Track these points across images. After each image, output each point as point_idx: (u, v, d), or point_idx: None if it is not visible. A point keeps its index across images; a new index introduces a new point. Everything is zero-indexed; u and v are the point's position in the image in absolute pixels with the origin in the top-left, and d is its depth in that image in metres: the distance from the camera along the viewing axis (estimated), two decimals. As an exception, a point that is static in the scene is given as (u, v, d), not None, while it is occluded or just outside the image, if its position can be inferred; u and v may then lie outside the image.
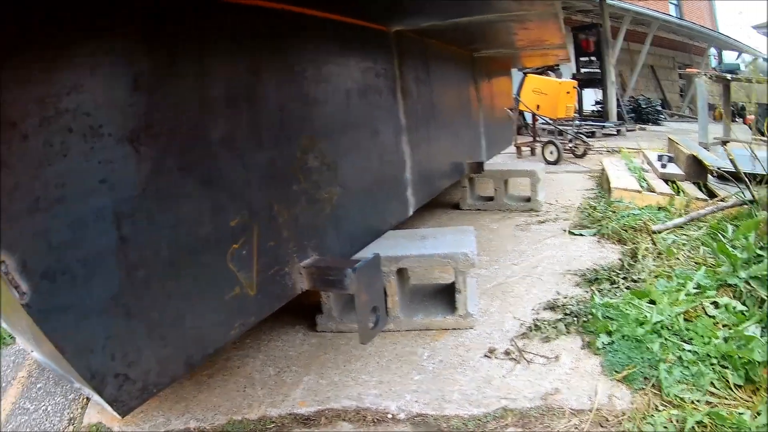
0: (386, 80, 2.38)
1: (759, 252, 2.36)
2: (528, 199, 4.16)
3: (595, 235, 3.31)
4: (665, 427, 1.50)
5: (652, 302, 2.16)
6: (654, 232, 3.10)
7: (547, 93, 6.35)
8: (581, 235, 3.34)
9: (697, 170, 4.27)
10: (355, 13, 2.03)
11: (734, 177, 3.63)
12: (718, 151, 5.29)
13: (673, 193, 3.92)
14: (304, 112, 1.67)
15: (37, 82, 0.84)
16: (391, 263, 2.01)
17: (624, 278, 2.50)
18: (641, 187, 4.13)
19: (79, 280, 0.85)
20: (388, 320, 2.04)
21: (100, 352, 0.89)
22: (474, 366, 1.84)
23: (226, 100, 1.31)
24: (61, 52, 0.89)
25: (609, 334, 1.98)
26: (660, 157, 4.84)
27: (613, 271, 2.59)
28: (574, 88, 6.76)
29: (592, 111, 11.51)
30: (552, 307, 2.27)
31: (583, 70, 10.46)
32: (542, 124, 6.89)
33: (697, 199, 3.78)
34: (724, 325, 1.97)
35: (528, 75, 6.59)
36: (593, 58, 10.24)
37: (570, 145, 6.75)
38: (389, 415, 1.60)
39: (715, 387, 1.65)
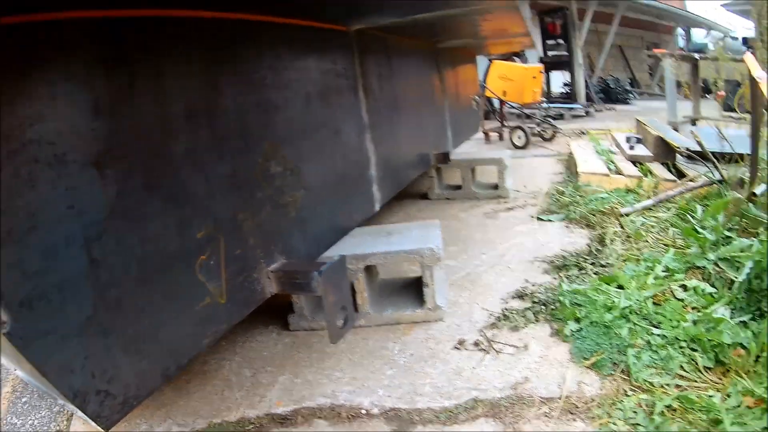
0: (347, 80, 2.43)
1: (727, 233, 2.40)
2: (496, 187, 4.24)
3: (563, 220, 3.37)
4: (635, 412, 1.51)
5: (621, 287, 2.18)
6: (622, 215, 3.14)
7: (513, 79, 6.47)
8: (549, 221, 3.41)
9: (666, 151, 4.32)
10: (313, 16, 2.06)
11: (702, 157, 3.69)
12: (687, 130, 5.38)
13: (641, 175, 3.97)
14: (264, 120, 1.71)
15: (1, 117, 0.87)
16: (358, 261, 2.08)
17: (592, 264, 2.54)
18: (609, 170, 4.19)
19: (56, 305, 0.90)
20: (358, 317, 2.11)
21: (80, 371, 0.94)
22: (444, 358, 1.90)
23: (186, 116, 1.34)
24: (23, 85, 0.93)
25: (577, 320, 1.99)
26: (628, 139, 4.90)
27: (581, 257, 2.64)
28: (541, 73, 6.89)
29: (561, 93, 11.69)
30: (521, 295, 2.33)
31: (550, 53, 10.62)
32: (510, 108, 7.00)
33: (666, 180, 3.84)
34: (693, 308, 1.98)
35: (493, 61, 6.68)
36: (560, 41, 10.39)
37: (538, 129, 6.89)
38: (363, 411, 1.65)
39: (684, 370, 1.66)
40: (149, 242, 1.17)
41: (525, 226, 3.36)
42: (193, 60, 1.39)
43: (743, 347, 1.67)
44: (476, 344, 1.97)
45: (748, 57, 2.54)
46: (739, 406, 1.45)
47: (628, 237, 2.82)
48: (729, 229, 2.44)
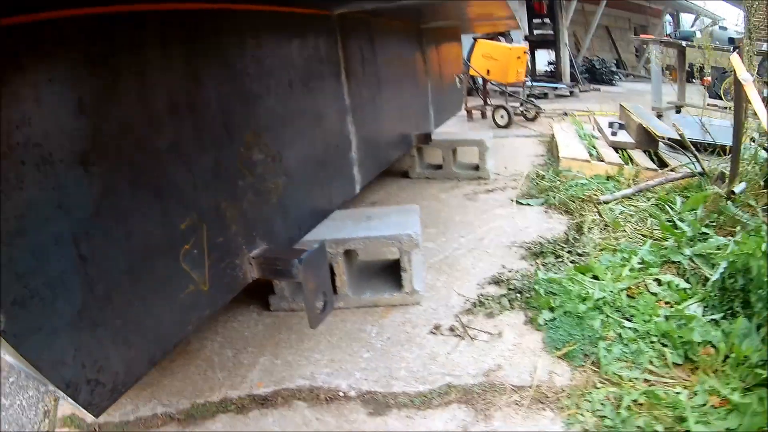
0: (330, 64, 2.44)
1: (704, 230, 2.42)
2: (477, 167, 4.30)
3: (542, 205, 3.42)
4: (602, 405, 1.54)
5: (596, 278, 2.21)
6: (601, 203, 3.17)
7: (498, 59, 6.46)
8: (529, 205, 3.46)
9: (648, 139, 4.32)
10: (296, 2, 2.06)
11: (684, 147, 3.71)
12: (672, 118, 5.38)
13: (623, 162, 3.98)
14: (247, 109, 1.73)
15: (-11, 122, 0.90)
16: (338, 245, 2.14)
17: (569, 252, 2.58)
18: (591, 155, 4.21)
19: (47, 302, 0.95)
20: (337, 299, 2.19)
21: (71, 363, 0.99)
22: (420, 343, 1.97)
23: (169, 110, 1.36)
24: (7, 89, 0.95)
25: (551, 310, 2.02)
26: (611, 124, 4.90)
27: (559, 245, 2.68)
28: (525, 53, 6.89)
29: (546, 71, 11.70)
30: (497, 281, 2.38)
31: (536, 32, 10.58)
32: (493, 85, 7.02)
33: (647, 169, 3.86)
34: (666, 303, 2.01)
35: (478, 40, 6.65)
36: (546, 20, 10.34)
37: (521, 108, 6.93)
38: (341, 394, 1.72)
39: (653, 365, 1.68)
40: (135, 236, 1.21)
41: (504, 210, 3.42)
42: (175, 54, 1.40)
43: (713, 346, 1.70)
44: (452, 329, 2.04)
45: (735, 57, 2.58)
46: (704, 405, 1.49)
47: (606, 226, 2.86)
48: (706, 225, 2.46)
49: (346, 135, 2.60)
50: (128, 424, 1.67)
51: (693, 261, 2.23)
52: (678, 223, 2.55)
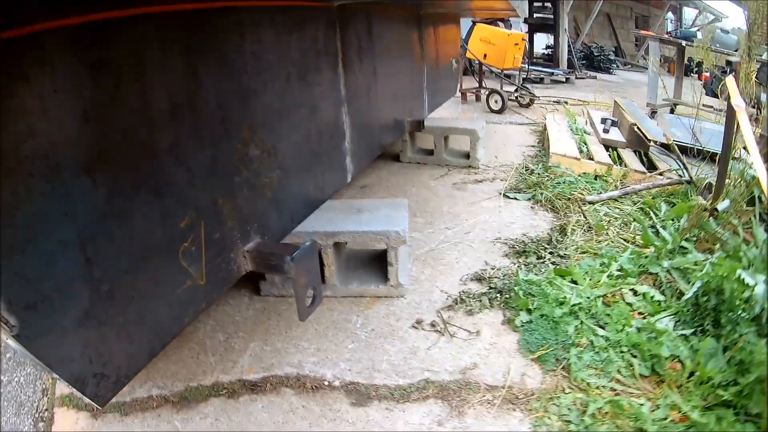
0: (327, 56, 2.45)
1: (684, 243, 2.44)
2: (467, 156, 4.35)
3: (529, 200, 3.45)
4: (569, 410, 1.59)
5: (575, 282, 2.25)
6: (587, 203, 3.21)
7: (495, 43, 6.45)
8: (516, 199, 3.50)
9: (639, 139, 4.33)
10: (297, -5, 2.08)
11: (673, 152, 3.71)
12: (665, 118, 5.41)
13: (612, 163, 4.01)
14: (244, 105, 1.76)
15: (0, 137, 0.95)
16: (328, 238, 2.21)
17: (551, 253, 2.62)
18: (581, 152, 4.24)
19: (56, 304, 1.02)
20: (325, 288, 2.28)
21: (79, 359, 1.07)
22: (402, 336, 2.05)
23: (170, 111, 1.40)
24: (14, 103, 0.98)
25: (529, 312, 2.07)
26: (603, 121, 4.91)
27: (542, 245, 2.72)
28: (523, 40, 6.87)
29: (543, 54, 11.65)
30: (479, 278, 2.44)
31: (535, 15, 10.50)
32: (489, 68, 7.02)
33: (636, 171, 3.89)
34: (639, 314, 2.05)
35: (477, 24, 6.63)
36: (547, 4, 10.26)
37: (516, 94, 6.95)
38: (326, 383, 1.81)
39: (621, 375, 1.73)
40: (137, 236, 1.27)
41: (491, 203, 3.48)
42: (176, 54, 1.43)
43: (680, 361, 1.75)
44: (433, 325, 2.12)
45: (730, 81, 2.60)
46: (665, 419, 1.54)
47: (590, 228, 2.91)
48: (686, 239, 2.50)
49: (340, 126, 2.64)
50: (125, 405, 1.76)
51: (670, 274, 2.27)
52: (660, 231, 2.60)
